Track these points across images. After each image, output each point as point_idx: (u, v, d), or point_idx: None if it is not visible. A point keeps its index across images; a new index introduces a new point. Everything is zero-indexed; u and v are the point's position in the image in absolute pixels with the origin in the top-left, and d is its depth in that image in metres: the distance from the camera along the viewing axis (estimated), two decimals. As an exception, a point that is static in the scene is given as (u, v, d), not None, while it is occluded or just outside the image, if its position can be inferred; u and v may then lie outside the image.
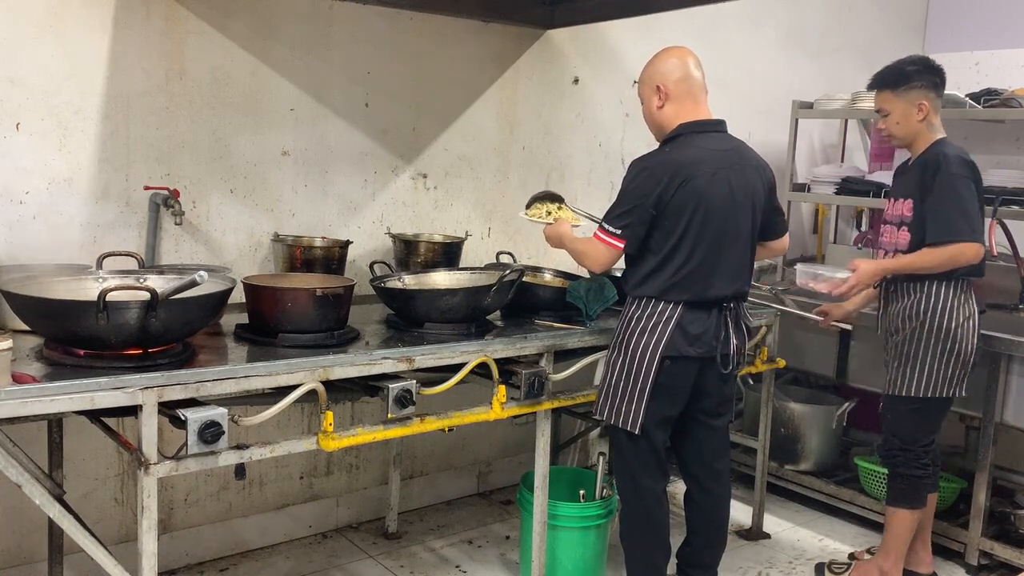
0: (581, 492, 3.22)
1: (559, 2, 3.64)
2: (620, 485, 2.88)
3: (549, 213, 3.13)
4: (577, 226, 3.02)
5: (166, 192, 2.94)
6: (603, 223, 2.70)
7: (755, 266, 2.87)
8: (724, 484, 2.96)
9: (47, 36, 2.76)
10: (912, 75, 3.03)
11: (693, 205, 2.60)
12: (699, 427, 2.86)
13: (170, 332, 2.22)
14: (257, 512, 3.41)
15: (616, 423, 2.74)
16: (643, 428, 2.70)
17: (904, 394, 3.06)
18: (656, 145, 2.80)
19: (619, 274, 3.03)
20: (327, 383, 2.38)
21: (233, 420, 2.20)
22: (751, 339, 2.98)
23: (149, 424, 2.10)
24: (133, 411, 2.12)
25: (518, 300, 3.05)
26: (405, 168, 3.61)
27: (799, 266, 3.33)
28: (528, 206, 3.22)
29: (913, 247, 3.02)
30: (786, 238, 3.00)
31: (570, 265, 3.31)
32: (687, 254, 2.64)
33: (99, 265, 2.67)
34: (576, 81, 4.08)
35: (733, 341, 2.74)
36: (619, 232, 2.65)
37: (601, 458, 3.26)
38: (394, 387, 2.46)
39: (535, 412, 2.87)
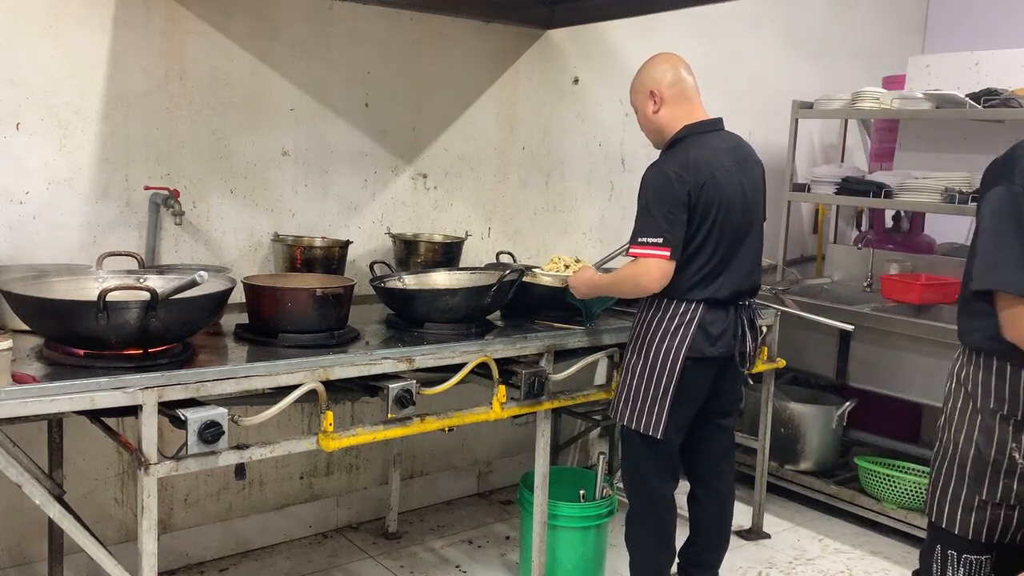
0: (581, 492, 3.22)
1: (559, 2, 3.64)
2: (630, 488, 2.86)
3: (567, 267, 3.10)
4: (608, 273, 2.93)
5: (166, 192, 2.94)
6: (640, 239, 2.58)
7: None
8: (729, 484, 2.96)
9: (47, 36, 2.76)
10: None
11: (717, 202, 2.59)
12: (709, 427, 2.85)
13: (170, 332, 2.21)
14: (257, 512, 3.41)
15: (637, 428, 2.71)
16: (665, 432, 2.68)
17: None
18: (655, 153, 2.80)
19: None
20: (327, 383, 2.38)
21: (233, 420, 2.20)
22: (760, 337, 2.97)
23: (149, 424, 2.10)
24: (133, 411, 2.12)
25: (518, 300, 3.04)
26: (405, 168, 3.61)
27: None
28: None
29: None
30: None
31: (570, 265, 3.31)
32: (711, 252, 2.62)
33: (99, 265, 2.67)
34: (576, 81, 4.08)
35: (749, 339, 2.74)
36: (661, 240, 2.54)
37: (601, 458, 3.26)
38: (394, 387, 2.46)
39: (535, 412, 2.87)
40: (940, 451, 2.23)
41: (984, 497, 2.12)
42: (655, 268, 2.55)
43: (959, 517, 2.16)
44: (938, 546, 2.24)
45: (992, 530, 2.14)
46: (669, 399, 2.65)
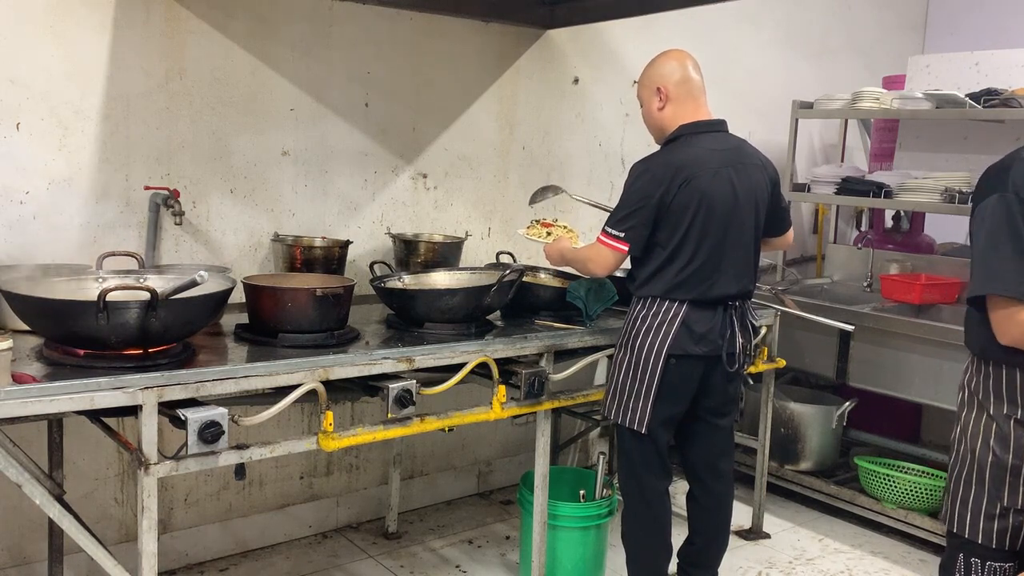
0: (581, 492, 3.22)
1: (559, 2, 3.64)
2: (623, 484, 2.88)
3: (549, 234, 3.17)
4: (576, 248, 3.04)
5: (166, 192, 2.94)
6: (606, 227, 2.71)
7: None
8: (727, 484, 2.96)
9: (47, 36, 2.76)
10: None
11: (695, 205, 2.61)
12: (704, 426, 2.86)
13: (170, 332, 2.22)
14: (257, 512, 3.41)
15: (623, 422, 2.75)
16: (648, 427, 2.70)
17: None
18: (656, 147, 2.81)
19: (620, 274, 3.03)
20: (327, 383, 2.38)
21: (233, 420, 2.20)
22: (757, 338, 2.98)
23: (149, 424, 2.10)
24: (133, 411, 2.12)
25: (518, 300, 3.05)
26: (405, 168, 3.61)
27: None
28: (532, 202, 3.35)
29: None
30: (790, 233, 3.02)
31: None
32: (691, 254, 2.65)
33: (99, 265, 2.67)
34: (576, 81, 4.08)
35: (739, 340, 2.74)
36: (623, 235, 2.67)
37: (601, 458, 3.26)
38: (394, 387, 2.46)
39: (535, 412, 2.87)
40: (957, 461, 2.21)
41: (1005, 503, 2.09)
42: (608, 256, 2.70)
43: (981, 525, 2.13)
44: (960, 555, 2.20)
45: (1016, 536, 2.11)
46: (653, 394, 2.68)
